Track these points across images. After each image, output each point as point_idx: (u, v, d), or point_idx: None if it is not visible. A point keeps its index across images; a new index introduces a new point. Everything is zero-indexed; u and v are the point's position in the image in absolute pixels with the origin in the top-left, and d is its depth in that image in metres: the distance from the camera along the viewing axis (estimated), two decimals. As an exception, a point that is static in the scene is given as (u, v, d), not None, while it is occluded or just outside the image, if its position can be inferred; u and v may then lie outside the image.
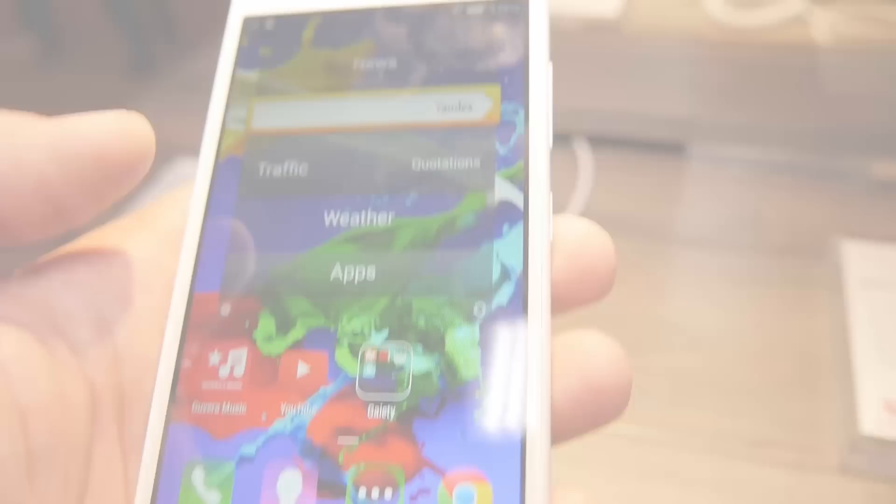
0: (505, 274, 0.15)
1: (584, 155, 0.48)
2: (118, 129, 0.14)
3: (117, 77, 1.27)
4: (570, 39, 0.56)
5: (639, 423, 0.32)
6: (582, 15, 0.58)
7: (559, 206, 0.44)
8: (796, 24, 0.55)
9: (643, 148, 0.48)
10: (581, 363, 0.14)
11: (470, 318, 0.14)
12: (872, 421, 0.29)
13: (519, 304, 0.14)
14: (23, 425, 0.13)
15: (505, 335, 0.14)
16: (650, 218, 0.43)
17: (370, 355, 0.15)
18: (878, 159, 0.44)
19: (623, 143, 0.48)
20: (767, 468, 0.30)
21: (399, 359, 0.14)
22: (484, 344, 0.14)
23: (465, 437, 0.13)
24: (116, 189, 0.15)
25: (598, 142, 0.49)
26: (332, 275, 0.15)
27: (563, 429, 0.14)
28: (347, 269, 0.15)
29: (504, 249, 0.15)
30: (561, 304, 0.15)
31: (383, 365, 0.14)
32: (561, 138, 0.49)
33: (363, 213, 0.16)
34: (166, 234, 0.16)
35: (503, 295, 0.14)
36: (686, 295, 0.38)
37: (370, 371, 0.14)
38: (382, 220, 0.16)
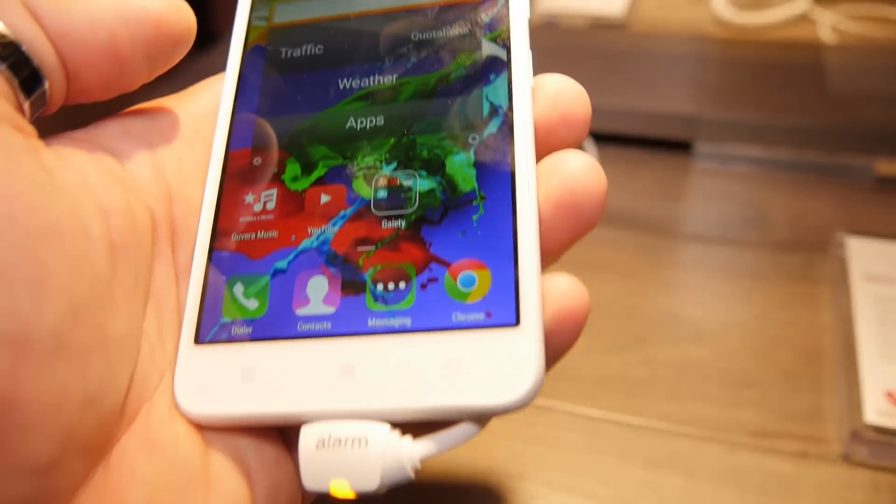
0: (493, 110, 0.17)
1: (590, 151, 0.48)
2: (170, 3, 0.17)
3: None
4: (576, 38, 0.57)
5: (644, 413, 0.33)
6: (588, 13, 0.58)
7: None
8: (801, 24, 0.56)
9: (649, 145, 0.49)
10: (561, 170, 0.16)
11: (465, 146, 0.17)
12: (875, 411, 0.30)
13: (506, 131, 0.17)
14: (105, 219, 0.15)
15: (495, 154, 0.17)
16: (656, 214, 0.44)
17: (382, 182, 0.17)
18: (883, 157, 0.45)
19: (629, 140, 0.49)
20: (771, 457, 0.31)
21: (407, 182, 0.17)
22: (478, 164, 0.17)
23: (466, 236, 0.16)
24: (166, 58, 0.17)
25: (604, 139, 0.49)
26: (348, 125, 0.18)
27: (548, 235, 0.16)
28: (360, 120, 0.18)
29: (492, 92, 0.17)
30: (545, 144, 0.17)
31: (394, 188, 0.17)
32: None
33: (371, 77, 0.18)
34: (203, 108, 0.19)
35: (493, 125, 0.17)
36: (692, 289, 0.39)
37: (383, 194, 0.17)
38: (388, 80, 0.18)
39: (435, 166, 0.17)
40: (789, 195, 0.44)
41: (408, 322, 0.15)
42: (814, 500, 0.29)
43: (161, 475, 0.14)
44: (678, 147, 0.48)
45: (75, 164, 0.15)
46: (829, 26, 0.54)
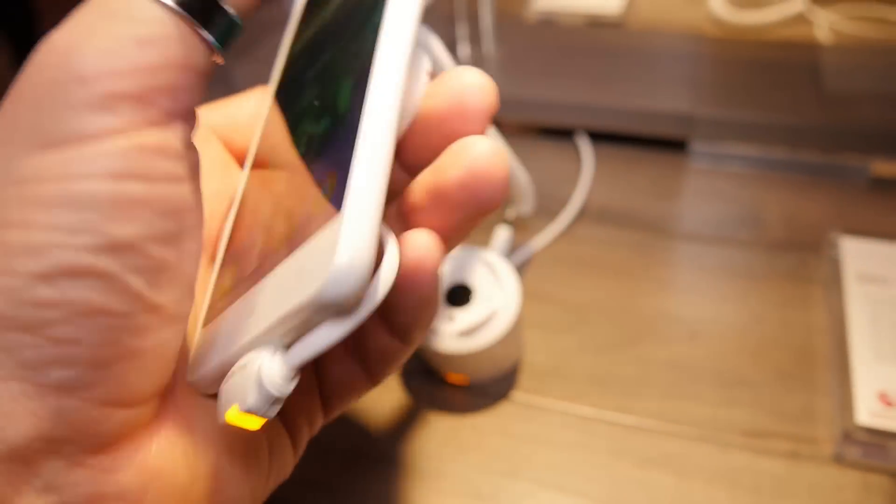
0: (374, 32, 0.17)
1: (585, 149, 0.48)
2: None
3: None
4: (572, 35, 0.56)
5: (636, 412, 0.33)
6: (585, 11, 0.58)
7: (560, 201, 0.45)
8: (798, 23, 0.56)
9: (644, 144, 0.49)
10: (468, 153, 0.17)
11: (352, 73, 0.17)
12: (867, 412, 0.30)
13: (373, 46, 0.17)
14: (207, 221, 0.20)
15: (365, 71, 0.17)
16: (651, 213, 0.44)
17: (304, 139, 0.19)
18: (877, 157, 0.45)
19: (624, 138, 0.49)
20: (762, 457, 0.31)
21: (313, 129, 0.18)
22: (353, 85, 0.17)
23: (333, 153, 0.17)
24: None
25: (600, 137, 0.49)
26: (304, 103, 0.20)
27: (452, 215, 0.17)
28: (308, 93, 0.20)
29: (376, 17, 0.18)
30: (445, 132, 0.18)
31: (309, 138, 0.18)
32: (563, 133, 0.50)
33: (322, 55, 0.20)
34: (227, 120, 0.24)
35: (370, 45, 0.17)
36: (685, 288, 0.39)
37: (302, 149, 0.18)
38: (327, 50, 0.20)
39: (333, 104, 0.18)
40: (784, 195, 0.44)
41: (285, 252, 0.17)
42: (805, 500, 0.29)
43: (209, 413, 0.18)
44: (673, 146, 0.48)
45: None
46: (825, 26, 0.54)
